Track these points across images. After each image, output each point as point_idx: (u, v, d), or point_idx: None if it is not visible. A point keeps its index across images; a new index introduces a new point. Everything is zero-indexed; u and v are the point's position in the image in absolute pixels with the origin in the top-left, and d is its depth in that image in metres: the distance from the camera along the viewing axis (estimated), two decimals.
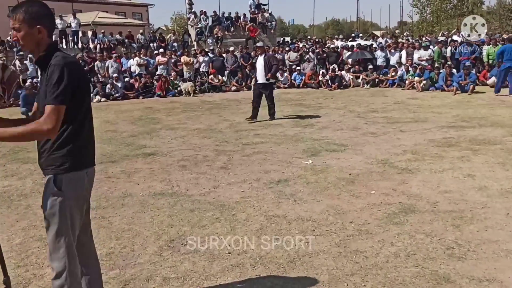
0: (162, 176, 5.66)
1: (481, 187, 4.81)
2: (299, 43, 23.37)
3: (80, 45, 20.37)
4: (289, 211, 4.29)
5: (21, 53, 16.01)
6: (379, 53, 17.46)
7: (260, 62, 9.76)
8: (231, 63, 17.47)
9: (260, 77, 9.68)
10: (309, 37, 30.93)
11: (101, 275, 2.64)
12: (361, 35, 30.27)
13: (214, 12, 23.50)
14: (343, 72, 16.88)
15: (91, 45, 20.25)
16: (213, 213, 4.30)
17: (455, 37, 18.72)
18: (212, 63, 17.34)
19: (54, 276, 2.28)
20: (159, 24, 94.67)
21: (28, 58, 15.62)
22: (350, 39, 24.26)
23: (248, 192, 4.92)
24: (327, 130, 8.39)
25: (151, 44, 20.91)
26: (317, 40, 24.54)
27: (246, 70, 17.07)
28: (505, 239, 3.54)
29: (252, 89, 10.09)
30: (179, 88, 15.69)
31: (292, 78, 17.01)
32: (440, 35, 23.43)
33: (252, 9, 23.71)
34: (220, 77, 16.73)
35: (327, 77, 16.43)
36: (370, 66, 16.58)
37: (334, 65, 17.42)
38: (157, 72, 16.59)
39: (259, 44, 10.57)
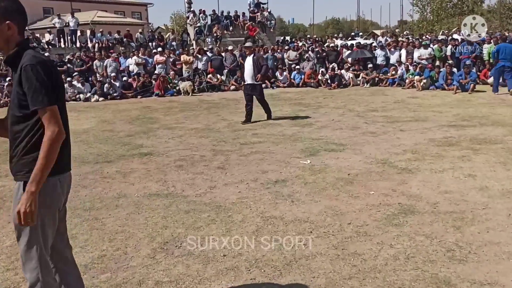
0: (158, 176, 5.58)
1: (482, 187, 4.73)
2: (298, 42, 23.27)
3: (78, 44, 20.30)
4: (286, 212, 4.21)
5: None
6: (379, 52, 17.33)
7: (248, 62, 9.51)
8: (230, 62, 17.37)
9: (249, 77, 9.45)
10: (308, 36, 30.83)
11: (82, 281, 2.52)
12: (361, 34, 30.20)
13: (213, 11, 23.44)
14: (343, 71, 16.76)
15: (90, 44, 20.18)
16: (208, 214, 4.22)
17: (455, 36, 18.61)
18: (211, 62, 17.25)
19: (28, 287, 2.20)
20: (158, 23, 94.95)
21: None
22: (350, 38, 24.16)
23: (245, 192, 4.84)
24: (326, 130, 8.30)
25: (150, 43, 20.84)
26: (316, 39, 24.41)
27: None
28: (507, 240, 3.45)
29: (243, 90, 9.83)
30: (177, 88, 15.60)
31: (292, 77, 16.90)
32: (440, 34, 23.36)
33: (252, 8, 23.62)
34: (219, 76, 16.63)
35: (327, 76, 16.31)
36: (370, 65, 16.46)
37: (333, 64, 17.30)
38: (155, 71, 16.51)
39: (248, 44, 10.30)
